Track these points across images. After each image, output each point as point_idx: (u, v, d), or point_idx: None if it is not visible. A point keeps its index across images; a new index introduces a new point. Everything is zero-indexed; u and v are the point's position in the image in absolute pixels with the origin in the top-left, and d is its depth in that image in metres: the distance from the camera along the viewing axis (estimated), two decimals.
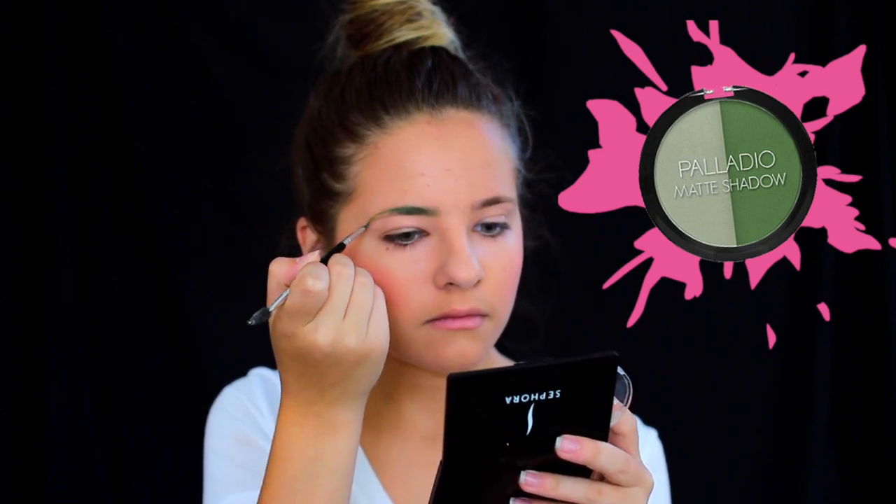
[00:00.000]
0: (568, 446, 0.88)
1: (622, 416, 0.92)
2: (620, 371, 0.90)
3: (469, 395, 0.85)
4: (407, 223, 1.09)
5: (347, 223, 1.13)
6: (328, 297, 1.00)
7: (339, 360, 1.01)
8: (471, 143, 1.12)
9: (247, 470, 1.18)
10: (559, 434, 0.88)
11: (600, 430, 0.89)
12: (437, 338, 1.11)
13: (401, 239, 1.10)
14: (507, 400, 0.85)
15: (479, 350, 1.12)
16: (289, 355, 1.02)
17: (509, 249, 1.13)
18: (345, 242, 1.08)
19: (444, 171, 1.10)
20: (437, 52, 1.17)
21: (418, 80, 1.13)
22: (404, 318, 1.10)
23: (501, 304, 1.12)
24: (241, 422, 1.21)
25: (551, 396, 0.86)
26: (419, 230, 1.10)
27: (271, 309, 1.01)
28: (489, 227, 1.11)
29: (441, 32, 1.21)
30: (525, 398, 0.86)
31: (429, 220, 1.09)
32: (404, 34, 1.19)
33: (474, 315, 1.10)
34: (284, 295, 1.01)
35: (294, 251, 1.23)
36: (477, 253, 1.10)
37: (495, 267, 1.11)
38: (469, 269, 1.08)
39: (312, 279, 0.99)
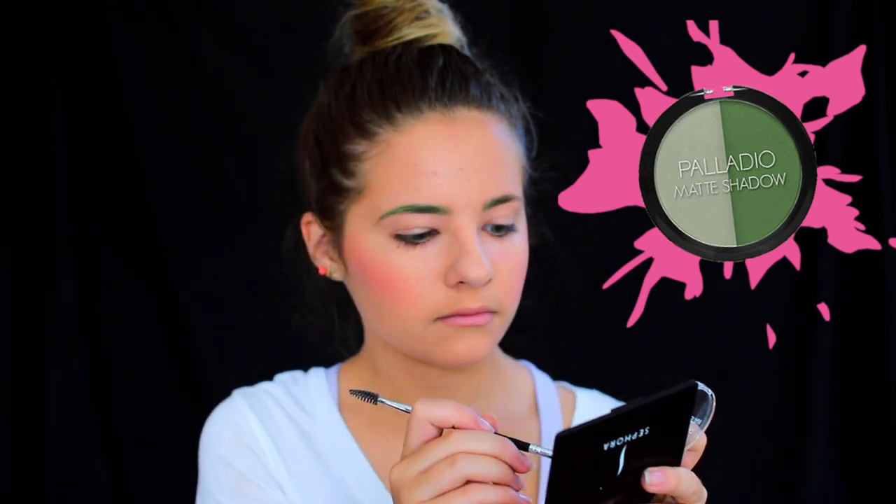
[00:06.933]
0: (656, 479, 0.88)
1: (701, 435, 0.92)
2: (708, 391, 0.91)
3: (574, 448, 0.84)
4: (420, 222, 1.10)
5: (357, 219, 1.13)
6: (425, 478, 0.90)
7: None
8: (482, 142, 1.13)
9: None
10: (641, 468, 0.88)
11: (675, 455, 0.89)
12: (447, 333, 1.12)
13: (412, 238, 1.10)
14: (605, 447, 0.85)
15: (488, 345, 1.13)
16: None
17: (517, 248, 1.14)
18: (533, 450, 0.93)
19: (457, 170, 1.10)
20: (448, 50, 1.17)
21: (431, 79, 1.13)
22: (415, 315, 1.11)
23: (510, 302, 1.14)
24: (238, 460, 1.18)
25: (641, 434, 0.86)
26: (431, 229, 1.10)
27: (383, 400, 0.96)
28: (498, 228, 1.13)
29: (448, 30, 1.21)
30: (620, 441, 0.85)
31: (441, 218, 1.10)
32: (413, 31, 1.19)
33: (484, 312, 1.11)
34: (403, 407, 0.95)
35: (299, 245, 1.23)
36: (487, 252, 1.11)
37: (504, 265, 1.12)
38: (481, 268, 1.09)
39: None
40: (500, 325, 1.14)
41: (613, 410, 0.85)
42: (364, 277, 1.14)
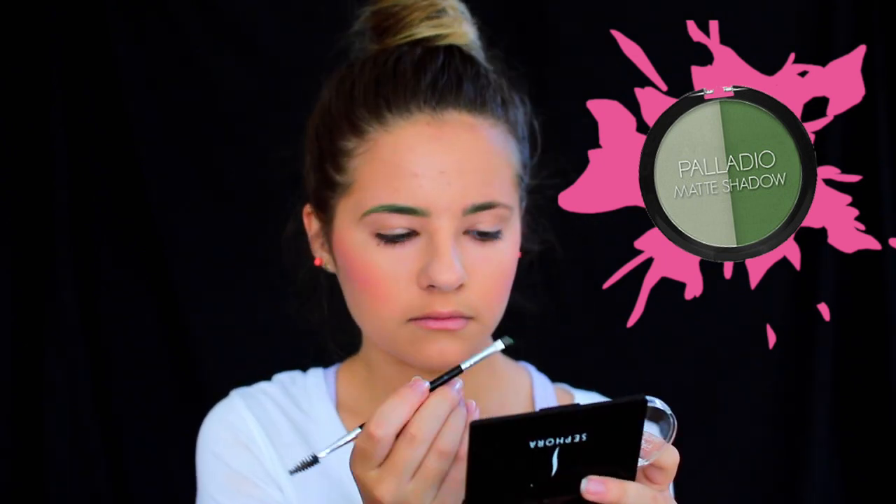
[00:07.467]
0: (594, 488, 0.87)
1: (664, 451, 0.91)
2: (667, 410, 0.90)
3: (492, 440, 0.84)
4: (399, 223, 1.10)
5: (344, 215, 1.14)
6: (394, 453, 0.92)
7: None
8: (469, 146, 1.12)
9: None
10: (585, 474, 0.87)
11: (628, 468, 0.89)
12: (419, 335, 1.11)
13: (392, 237, 1.10)
14: (531, 444, 0.85)
15: (460, 350, 1.11)
16: (359, 486, 0.96)
17: (499, 256, 1.12)
18: (462, 367, 0.97)
19: (439, 173, 1.10)
20: (450, 51, 1.17)
21: (423, 80, 1.13)
22: (389, 315, 1.11)
23: (487, 309, 1.12)
24: (235, 459, 1.19)
25: (577, 440, 0.86)
26: (410, 230, 1.10)
27: (322, 456, 0.97)
28: (483, 234, 1.12)
29: (462, 31, 1.20)
30: (549, 442, 0.85)
31: (419, 220, 1.10)
32: (423, 30, 1.19)
33: (457, 318, 1.10)
34: (352, 435, 0.96)
35: (300, 236, 1.23)
36: (465, 257, 1.10)
37: (482, 272, 1.11)
38: (450, 273, 1.08)
39: (376, 424, 0.92)
40: (478, 331, 1.13)
41: (540, 410, 0.85)
42: (346, 273, 1.14)
